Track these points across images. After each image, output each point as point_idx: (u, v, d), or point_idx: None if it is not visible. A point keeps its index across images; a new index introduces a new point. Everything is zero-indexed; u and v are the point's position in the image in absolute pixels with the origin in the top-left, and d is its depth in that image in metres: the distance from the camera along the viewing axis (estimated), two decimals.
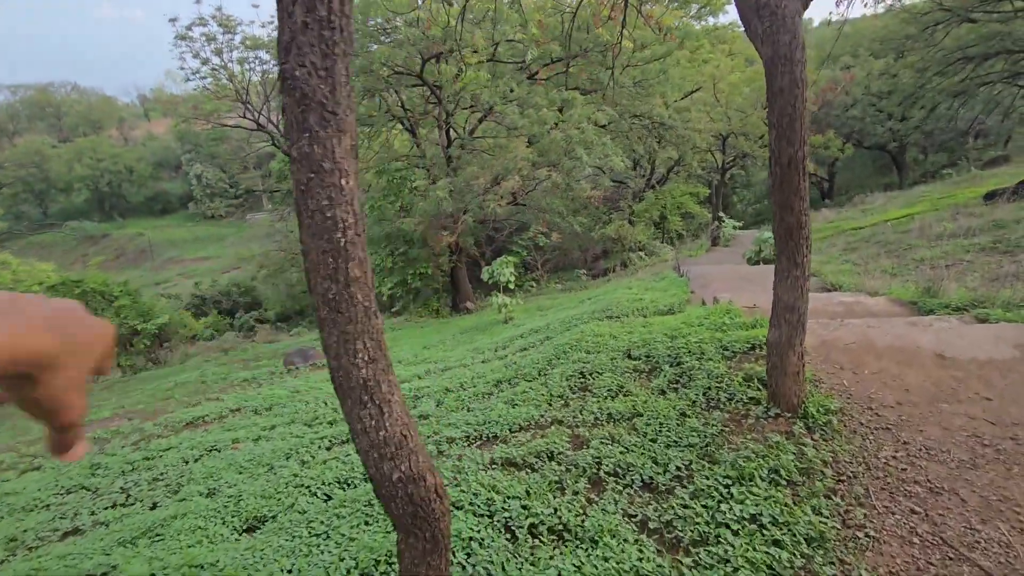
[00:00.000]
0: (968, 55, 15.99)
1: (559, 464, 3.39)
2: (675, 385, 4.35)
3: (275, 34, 15.77)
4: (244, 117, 16.27)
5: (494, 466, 3.49)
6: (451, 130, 14.66)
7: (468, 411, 4.88)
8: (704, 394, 4.03)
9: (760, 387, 3.84)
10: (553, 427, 4.01)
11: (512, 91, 12.73)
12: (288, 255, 20.78)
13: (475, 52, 11.79)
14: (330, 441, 4.84)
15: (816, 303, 6.40)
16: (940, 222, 13.14)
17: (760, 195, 41.67)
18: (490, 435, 4.09)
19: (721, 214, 20.21)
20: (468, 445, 4.02)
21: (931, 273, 7.76)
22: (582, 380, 4.89)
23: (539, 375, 5.42)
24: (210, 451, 5.40)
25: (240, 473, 4.37)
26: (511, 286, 11.48)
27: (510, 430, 4.10)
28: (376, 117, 13.93)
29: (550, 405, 4.49)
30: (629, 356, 5.27)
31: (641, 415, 3.90)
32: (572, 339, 6.22)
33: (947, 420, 3.40)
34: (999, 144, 30.19)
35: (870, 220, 19.70)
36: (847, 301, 6.29)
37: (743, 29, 3.05)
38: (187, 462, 5.03)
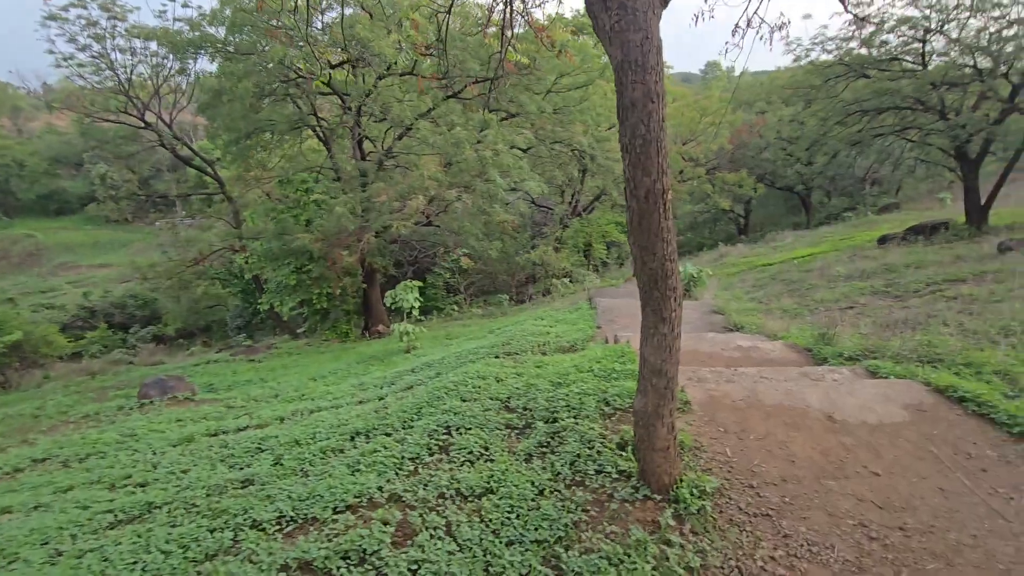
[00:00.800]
0: (864, 108, 17.07)
1: (367, 571, 2.60)
2: (544, 449, 3.70)
3: (167, 24, 14.37)
4: (126, 112, 14.52)
5: (284, 573, 2.65)
6: (363, 144, 13.76)
7: (304, 476, 3.99)
8: (571, 464, 3.40)
9: (633, 456, 3.25)
10: (386, 507, 3.22)
11: (432, 109, 12.09)
12: (190, 267, 18.76)
13: (387, 63, 11.08)
14: (117, 516, 3.78)
15: (714, 347, 6.07)
16: (839, 263, 13.68)
17: (683, 228, 43.36)
18: (308, 517, 3.24)
19: None
20: (277, 531, 3.14)
21: (827, 317, 7.74)
22: (445, 437, 4.15)
23: (402, 427, 4.62)
24: None
25: None
26: (415, 313, 10.63)
27: (335, 510, 3.27)
28: (277, 123, 12.79)
29: (397, 472, 3.71)
30: (507, 408, 4.60)
31: (494, 492, 3.20)
32: (453, 381, 5.49)
33: (833, 503, 2.94)
34: (891, 192, 33.05)
35: (779, 257, 20.59)
36: (744, 346, 5.99)
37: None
38: None
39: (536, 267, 22.82)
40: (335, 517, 3.17)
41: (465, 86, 13.82)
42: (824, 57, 17.28)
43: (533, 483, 3.21)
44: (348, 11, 12.63)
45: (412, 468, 3.75)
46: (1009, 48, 14.06)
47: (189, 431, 6.23)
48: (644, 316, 2.61)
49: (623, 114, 2.17)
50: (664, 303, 2.48)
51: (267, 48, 9.35)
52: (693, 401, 4.05)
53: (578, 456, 3.45)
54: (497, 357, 7.10)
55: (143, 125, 15.17)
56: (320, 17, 11.78)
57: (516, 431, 4.12)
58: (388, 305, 10.74)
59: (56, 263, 51.65)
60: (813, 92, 17.74)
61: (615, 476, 3.17)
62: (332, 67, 11.02)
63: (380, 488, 3.45)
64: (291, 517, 3.27)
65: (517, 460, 3.60)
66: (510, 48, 4.52)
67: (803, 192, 31.17)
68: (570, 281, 23.01)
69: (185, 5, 14.68)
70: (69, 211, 61.23)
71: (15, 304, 36.91)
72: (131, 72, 13.93)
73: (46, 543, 3.47)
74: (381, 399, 6.51)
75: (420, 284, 10.71)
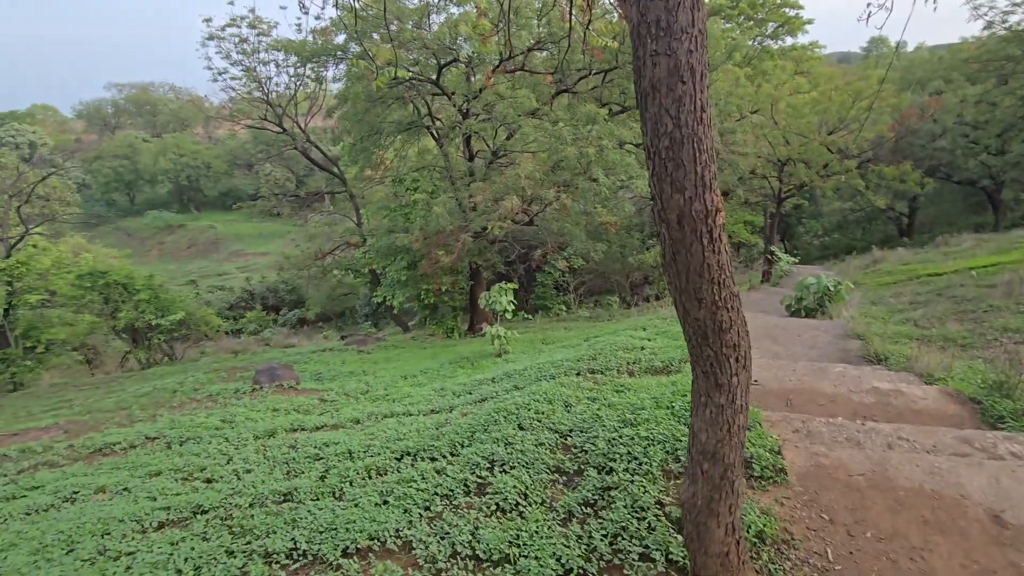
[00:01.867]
0: None
1: None
2: (587, 509, 3.08)
3: (302, 36, 15.58)
4: (266, 119, 16.16)
5: None
6: (470, 142, 13.77)
7: (338, 498, 3.80)
8: (613, 538, 2.75)
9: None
10: (394, 558, 2.86)
11: (537, 110, 11.67)
12: (316, 260, 20.52)
13: (495, 61, 10.86)
14: (170, 515, 3.89)
15: (840, 386, 4.89)
16: None
17: (830, 227, 38.36)
18: (317, 555, 2.99)
19: (773, 248, 18.16)
20: (282, 568, 2.94)
21: (1009, 353, 5.96)
22: (486, 474, 3.71)
23: (450, 453, 4.27)
24: (68, 500, 4.61)
25: (33, 555, 3.49)
26: (508, 315, 10.32)
27: (344, 552, 2.98)
28: (391, 124, 13.21)
29: (423, 512, 3.34)
30: (564, 444, 4.04)
31: (512, 561, 2.68)
32: (516, 403, 5.03)
33: None
34: None
35: (951, 265, 17.06)
36: (883, 388, 4.73)
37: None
38: (6, 520, 4.23)
39: (652, 268, 21.48)
40: (340, 562, 2.88)
41: (579, 80, 13.21)
42: None
43: (560, 559, 2.63)
44: (460, 9, 12.69)
45: (440, 509, 3.35)
46: None
47: (275, 424, 6.52)
48: (694, 378, 1.91)
49: (642, 101, 1.51)
50: (720, 365, 1.77)
51: (373, 53, 9.62)
52: (792, 469, 3.15)
53: (623, 528, 2.79)
54: (578, 375, 6.52)
55: (280, 130, 16.79)
56: (429, 19, 11.92)
57: (564, 477, 3.55)
58: (483, 306, 10.57)
59: (230, 251, 60.33)
60: (1010, 65, 14.31)
61: (661, 569, 2.48)
62: (441, 66, 11.08)
63: (398, 532, 3.11)
64: (303, 551, 3.05)
65: (553, 519, 3.03)
66: (591, 31, 3.89)
67: (990, 187, 25.70)
68: None
69: (318, 17, 15.94)
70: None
71: (196, 285, 43.77)
72: (270, 82, 15.47)
73: (107, 533, 3.66)
74: (452, 409, 6.28)
75: (514, 287, 10.38)
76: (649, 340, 8.05)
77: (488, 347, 10.45)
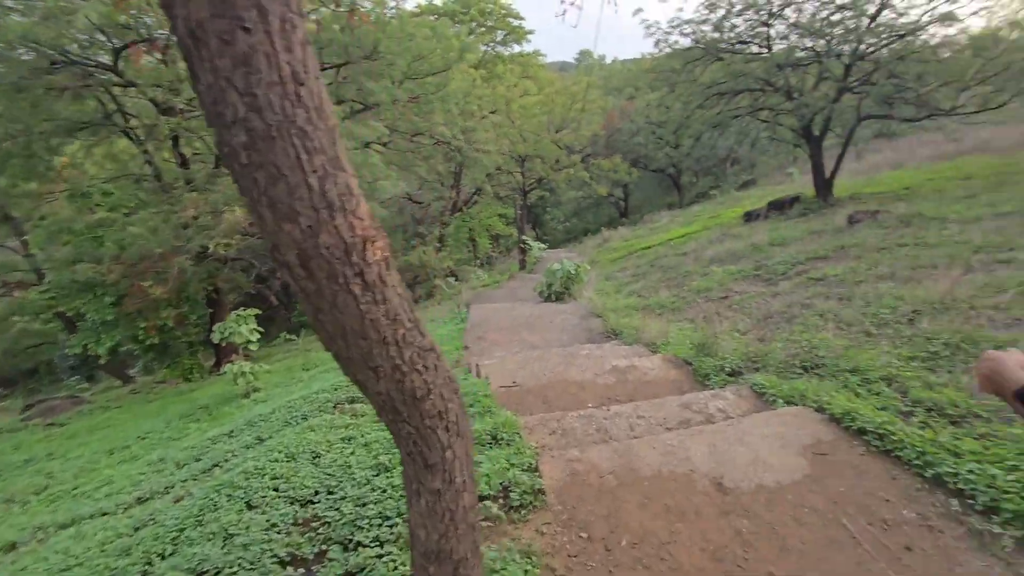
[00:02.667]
0: (721, 91, 17.44)
1: None
2: None
3: None
4: None
5: None
6: (178, 143, 11.34)
7: None
8: None
9: None
10: None
11: None
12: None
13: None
14: None
15: (586, 370, 5.12)
16: (710, 243, 13.79)
17: (569, 213, 43.87)
18: None
19: (525, 237, 19.67)
20: None
21: (704, 311, 7.22)
22: None
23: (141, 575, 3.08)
24: None
25: None
26: (253, 346, 8.74)
27: None
28: (59, 125, 9.90)
29: None
30: (305, 517, 3.24)
31: None
32: (248, 469, 4.00)
33: None
34: (748, 169, 35.61)
35: (656, 239, 20.95)
36: (621, 366, 5.10)
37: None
38: None
39: (419, 268, 21.30)
40: None
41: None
42: (683, 41, 17.52)
43: None
44: None
45: None
46: (839, 31, 14.95)
47: None
48: (402, 461, 1.40)
49: (189, 64, 0.91)
50: (426, 442, 1.29)
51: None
52: (550, 486, 2.97)
53: None
54: (336, 407, 5.70)
55: None
56: None
57: (302, 570, 2.78)
58: (216, 341, 8.73)
59: None
60: (675, 76, 17.92)
61: None
62: (118, 50, 8.63)
63: None
64: None
65: None
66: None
67: (674, 173, 32.52)
68: (455, 280, 21.81)
69: None
70: None
71: None
72: None
73: None
74: (169, 490, 4.83)
75: (256, 312, 8.80)
76: None
77: (233, 388, 8.71)
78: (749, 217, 18.73)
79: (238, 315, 8.50)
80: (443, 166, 16.11)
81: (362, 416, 5.10)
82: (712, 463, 3.06)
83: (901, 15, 14.02)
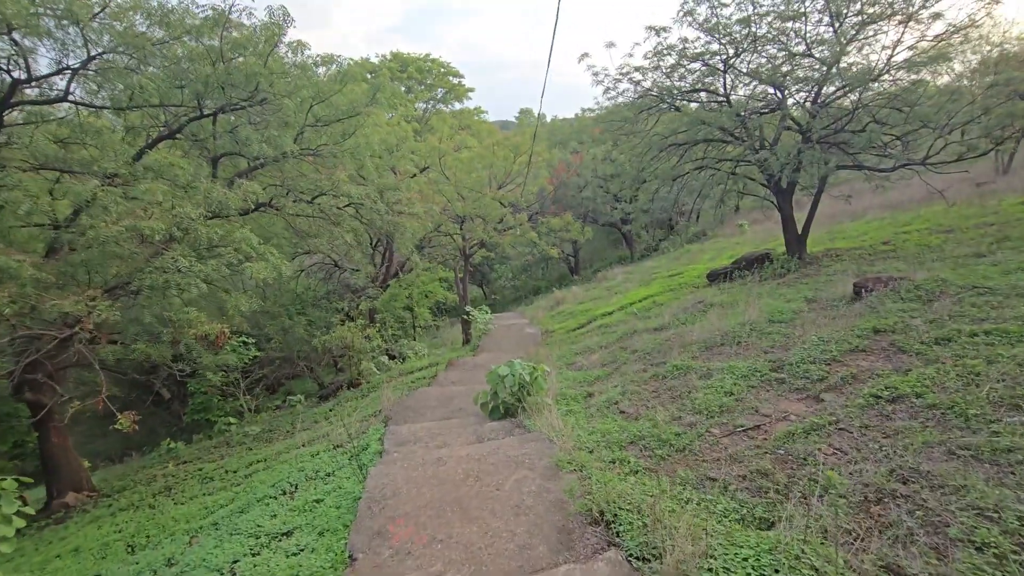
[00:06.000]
0: (677, 141, 15.77)
1: None
2: None
3: None
4: None
5: None
6: None
7: None
8: None
9: None
10: None
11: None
12: None
13: None
14: None
15: None
16: (689, 317, 11.52)
17: (517, 270, 41.66)
18: None
19: (468, 308, 16.93)
20: None
21: (747, 466, 4.56)
22: None
23: None
24: None
25: None
26: (3, 547, 5.26)
27: None
28: None
29: None
30: None
31: None
32: None
33: None
34: (695, 222, 34.84)
35: (616, 301, 18.76)
36: None
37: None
38: None
39: (344, 349, 17.97)
40: None
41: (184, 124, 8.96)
42: (633, 88, 16.02)
43: None
44: None
45: None
46: (796, 78, 13.78)
47: None
48: None
49: None
50: None
51: None
52: None
53: None
54: None
55: None
56: None
57: None
58: None
59: None
60: (628, 125, 16.27)
61: None
62: None
63: None
64: None
65: None
66: None
67: (625, 229, 31.13)
68: (390, 359, 18.62)
69: None
70: None
71: None
72: None
73: None
74: None
75: (19, 479, 5.41)
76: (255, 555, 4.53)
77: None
78: (714, 277, 16.81)
79: None
80: (363, 231, 13.35)
81: None
82: None
83: (861, 62, 12.93)
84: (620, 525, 3.91)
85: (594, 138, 27.80)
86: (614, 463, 5.17)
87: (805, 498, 3.83)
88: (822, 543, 3.24)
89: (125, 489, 10.45)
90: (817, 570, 2.99)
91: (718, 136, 15.23)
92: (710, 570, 3.15)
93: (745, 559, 3.20)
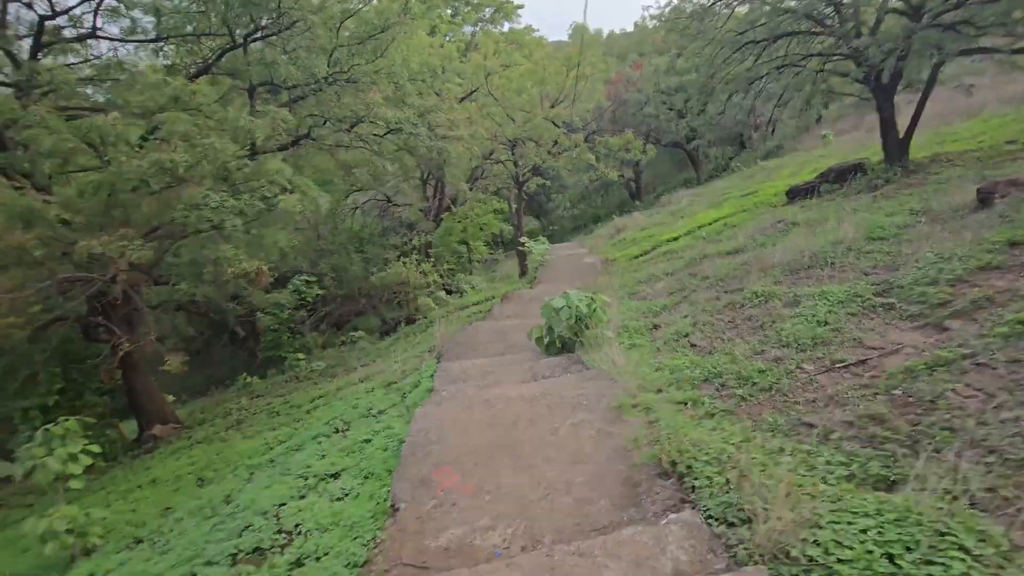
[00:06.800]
0: (755, 38, 13.67)
1: None
2: None
3: None
4: None
5: None
6: None
7: None
8: None
9: None
10: None
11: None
12: None
13: None
14: None
15: None
16: (766, 238, 10.30)
17: (575, 199, 39.96)
18: None
19: (523, 239, 16.24)
20: None
21: (853, 409, 3.76)
22: None
23: None
24: None
25: None
26: (75, 484, 5.39)
27: None
28: None
29: None
30: None
31: None
32: None
33: None
34: (770, 135, 31.44)
35: (683, 226, 17.37)
36: None
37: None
38: None
39: (401, 286, 17.99)
40: None
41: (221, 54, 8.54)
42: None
43: None
44: None
45: None
46: None
47: None
48: None
49: None
50: None
51: None
52: None
53: None
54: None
55: None
56: None
57: None
58: (24, 475, 5.48)
59: None
60: (695, 24, 14.26)
61: None
62: None
63: None
64: None
65: None
66: None
67: (691, 147, 28.65)
68: (447, 294, 18.49)
69: None
70: None
71: None
72: None
73: None
74: None
75: (92, 420, 5.57)
76: (302, 498, 4.34)
77: (45, 550, 5.40)
78: (795, 194, 14.97)
79: (52, 429, 5.26)
80: (411, 164, 12.70)
81: None
82: None
83: None
84: (695, 479, 3.30)
85: (656, 47, 25.07)
86: (685, 404, 4.52)
87: (938, 452, 3.03)
88: (971, 513, 2.50)
89: (204, 422, 11.06)
90: (968, 552, 2.27)
91: (805, 27, 13.07)
92: (817, 543, 2.51)
93: (864, 531, 2.52)
